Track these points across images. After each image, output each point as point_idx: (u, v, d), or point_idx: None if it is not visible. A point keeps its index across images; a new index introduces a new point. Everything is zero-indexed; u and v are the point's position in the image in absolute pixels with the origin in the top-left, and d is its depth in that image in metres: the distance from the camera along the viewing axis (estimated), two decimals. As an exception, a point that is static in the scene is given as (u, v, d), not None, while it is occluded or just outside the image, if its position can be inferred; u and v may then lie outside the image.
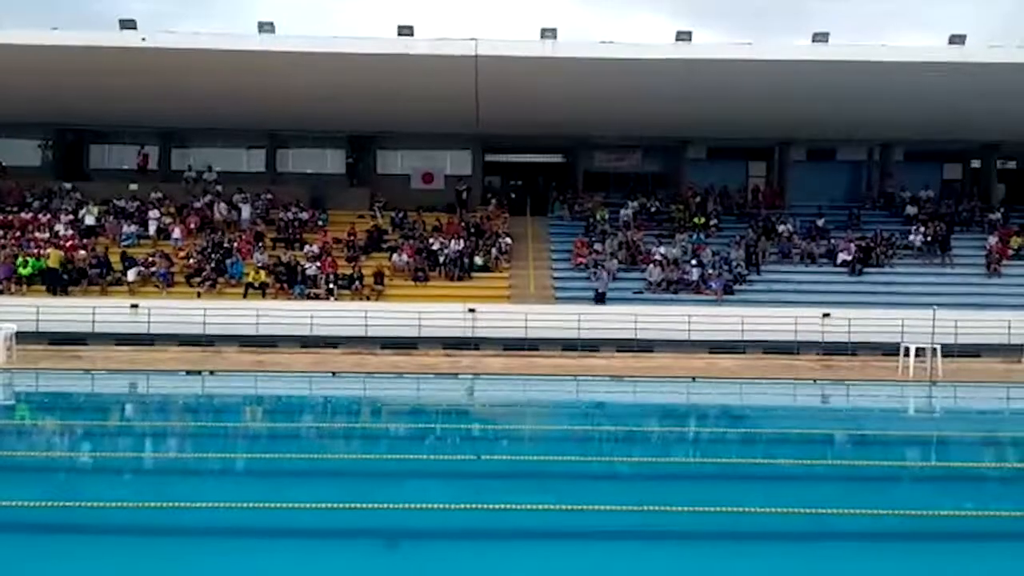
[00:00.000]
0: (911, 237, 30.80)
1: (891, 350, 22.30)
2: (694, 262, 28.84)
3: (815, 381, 20.83)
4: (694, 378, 20.72)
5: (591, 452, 13.16)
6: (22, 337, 21.40)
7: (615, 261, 29.04)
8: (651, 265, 28.62)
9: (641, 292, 28.02)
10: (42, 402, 18.48)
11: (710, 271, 28.58)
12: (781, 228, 31.12)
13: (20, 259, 27.06)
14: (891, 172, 34.96)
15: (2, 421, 15.86)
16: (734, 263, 29.04)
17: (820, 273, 29.40)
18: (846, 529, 8.89)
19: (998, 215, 32.82)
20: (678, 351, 24.88)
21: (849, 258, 29.43)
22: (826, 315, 25.93)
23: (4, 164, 33.54)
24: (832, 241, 30.56)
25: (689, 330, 25.49)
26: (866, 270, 29.22)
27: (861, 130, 32.36)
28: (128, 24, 25.30)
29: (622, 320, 25.54)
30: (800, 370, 22.25)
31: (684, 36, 25.49)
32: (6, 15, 25.31)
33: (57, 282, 26.51)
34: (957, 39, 25.17)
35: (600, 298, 27.14)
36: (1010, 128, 31.15)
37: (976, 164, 36.26)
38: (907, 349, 20.86)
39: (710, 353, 24.87)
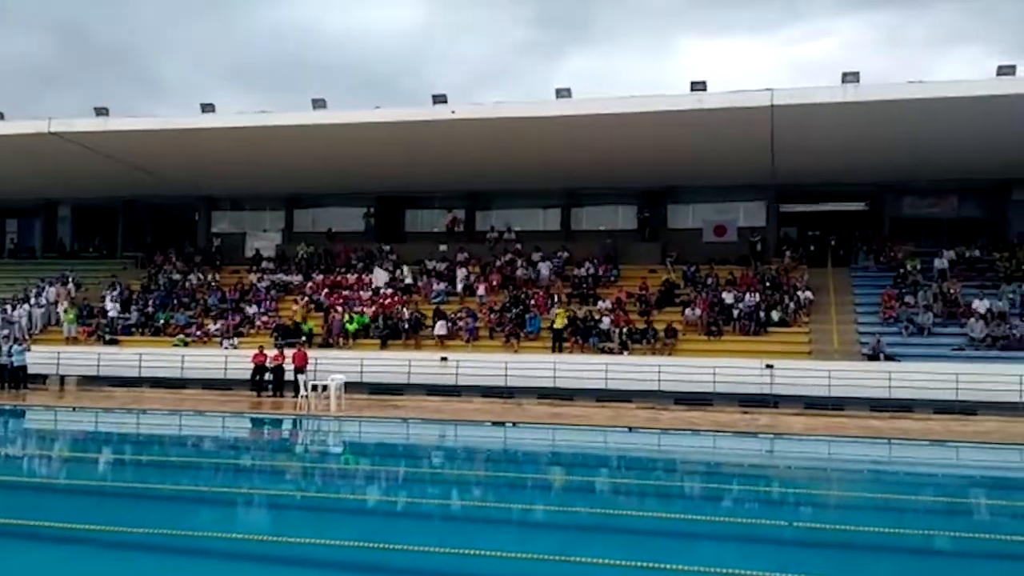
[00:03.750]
0: None
1: None
2: (1024, 316, 25.96)
3: None
4: (1030, 446, 18.51)
5: (909, 524, 12.06)
6: (349, 387, 23.63)
7: (929, 315, 26.81)
8: (972, 319, 26.10)
9: (962, 349, 25.59)
10: (365, 447, 20.19)
11: (1045, 326, 25.54)
12: None
13: (347, 316, 29.99)
14: None
15: (329, 464, 17.45)
16: (1075, 317, 25.76)
17: None
18: None
19: None
20: (1008, 415, 22.38)
21: None
22: None
23: (334, 230, 37.49)
24: None
25: (1021, 391, 22.87)
26: None
27: None
28: (440, 99, 27.55)
29: (940, 379, 23.44)
30: None
31: (1007, 70, 23.39)
32: (335, 98, 28.55)
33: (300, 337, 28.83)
34: None
35: (873, 356, 25.19)
36: None
37: None
38: None
39: (1048, 418, 22.13)
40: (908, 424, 21.39)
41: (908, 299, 27.81)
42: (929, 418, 22.43)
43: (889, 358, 25.26)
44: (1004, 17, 66.97)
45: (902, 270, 29.67)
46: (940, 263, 29.49)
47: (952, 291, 27.75)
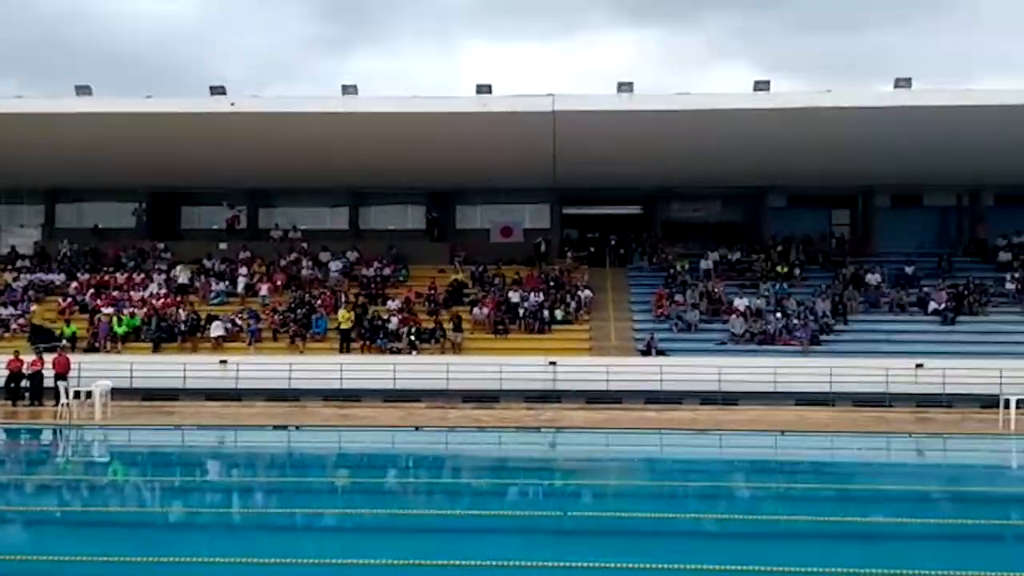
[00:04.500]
0: (1006, 285, 29.67)
1: (989, 402, 21.42)
2: (778, 312, 28.28)
3: (911, 435, 20.09)
4: (783, 431, 20.18)
5: (678, 509, 12.84)
6: (117, 393, 22.10)
7: (696, 312, 28.67)
8: (733, 316, 28.16)
9: (724, 343, 27.56)
10: (132, 457, 18.94)
11: (795, 321, 27.97)
12: (868, 277, 30.31)
13: (115, 318, 28.06)
14: (982, 217, 33.85)
15: (93, 476, 16.26)
16: (820, 313, 28.38)
17: (911, 322, 28.49)
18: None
19: (1099, 259, 31.41)
20: (764, 403, 24.29)
21: (941, 307, 28.47)
22: (919, 366, 25.04)
23: (101, 227, 35.00)
24: (923, 289, 29.63)
25: (775, 382, 24.88)
26: (959, 319, 28.20)
27: (948, 175, 31.48)
28: (218, 90, 26.37)
29: (706, 372, 25.08)
30: (894, 423, 21.50)
31: (762, 85, 25.40)
32: (102, 85, 26.73)
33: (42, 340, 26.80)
34: (1048, 79, 24.44)
35: (647, 352, 26.76)
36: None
37: (1073, 207, 34.84)
38: (1007, 401, 19.97)
39: (797, 405, 24.22)
40: (678, 415, 22.79)
41: (678, 298, 29.59)
42: (697, 409, 23.98)
43: (661, 353, 26.76)
44: (762, 37, 72.87)
45: (672, 270, 31.54)
46: (706, 264, 31.62)
47: (716, 290, 29.81)
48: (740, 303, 28.70)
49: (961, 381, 24.19)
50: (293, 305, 29.25)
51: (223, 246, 33.49)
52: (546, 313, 28.84)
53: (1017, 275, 29.86)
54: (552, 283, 30.72)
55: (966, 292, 29.05)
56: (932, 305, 28.63)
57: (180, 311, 28.64)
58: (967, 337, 27.37)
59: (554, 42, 74.22)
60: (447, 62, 74.62)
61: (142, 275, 31.52)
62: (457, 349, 27.33)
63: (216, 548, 10.05)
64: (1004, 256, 31.69)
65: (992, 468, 18.16)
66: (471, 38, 76.84)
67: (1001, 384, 21.92)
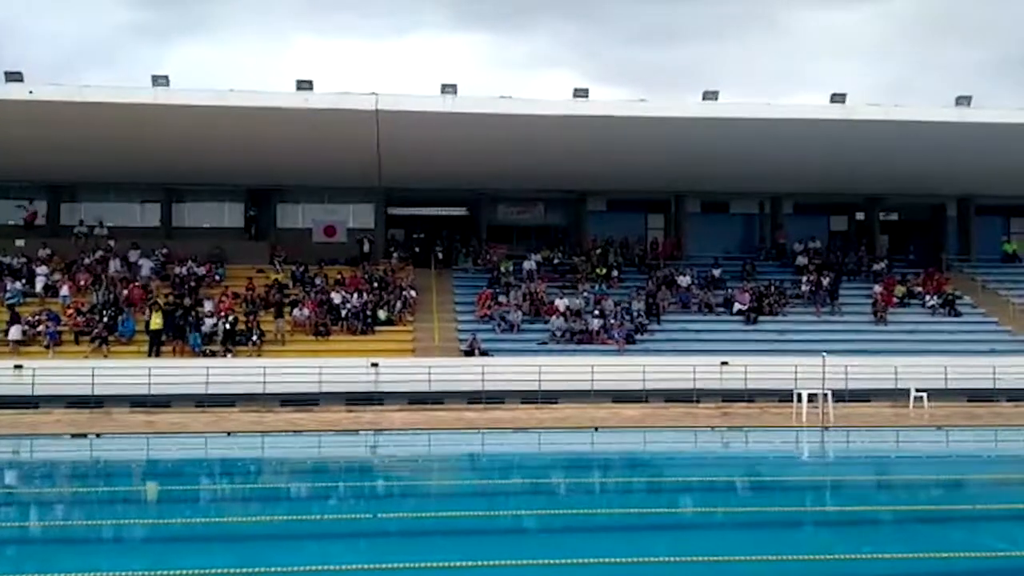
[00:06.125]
0: (802, 287, 31.92)
1: (786, 396, 22.94)
2: (596, 313, 29.22)
3: (713, 429, 21.24)
4: (597, 428, 20.86)
5: (496, 507, 13.04)
6: None
7: (519, 313, 29.18)
8: (554, 316, 28.86)
9: (545, 343, 28.19)
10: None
11: (612, 321, 28.98)
12: (680, 279, 31.83)
13: None
14: (781, 224, 36.26)
15: None
16: (635, 313, 29.54)
17: (717, 322, 30.13)
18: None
19: (882, 265, 34.34)
20: (582, 401, 25.02)
21: (744, 307, 30.27)
22: (724, 363, 26.47)
23: None
24: (729, 291, 31.41)
25: (592, 380, 25.65)
26: (760, 319, 30.09)
27: (752, 183, 33.55)
28: (14, 76, 24.50)
29: (527, 371, 25.54)
30: (700, 418, 22.69)
31: (581, 93, 26.09)
32: None
33: None
34: (838, 97, 26.45)
35: (470, 352, 27.13)
36: (890, 181, 32.80)
37: (860, 216, 37.93)
38: (800, 395, 21.49)
39: (613, 402, 25.08)
40: (498, 414, 23.12)
41: (501, 298, 30.04)
42: (517, 407, 24.41)
43: (484, 353, 27.06)
44: (588, 47, 75.10)
45: (497, 272, 31.98)
46: (529, 265, 32.26)
47: (538, 291, 30.47)
48: (561, 303, 29.45)
49: (761, 377, 25.74)
50: (98, 306, 27.60)
51: (20, 243, 31.16)
52: (369, 314, 28.55)
53: (812, 278, 32.18)
54: (376, 283, 30.45)
55: (766, 294, 31.05)
56: (737, 306, 30.40)
57: (-32, 312, 26.44)
58: (767, 336, 29.21)
59: (384, 41, 73.71)
60: (275, 55, 72.57)
61: (-76, 274, 28.88)
62: (282, 341, 26.66)
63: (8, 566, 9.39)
64: (801, 260, 34.08)
65: (784, 458, 19.50)
66: (300, 32, 75.04)
67: (796, 379, 23.51)
